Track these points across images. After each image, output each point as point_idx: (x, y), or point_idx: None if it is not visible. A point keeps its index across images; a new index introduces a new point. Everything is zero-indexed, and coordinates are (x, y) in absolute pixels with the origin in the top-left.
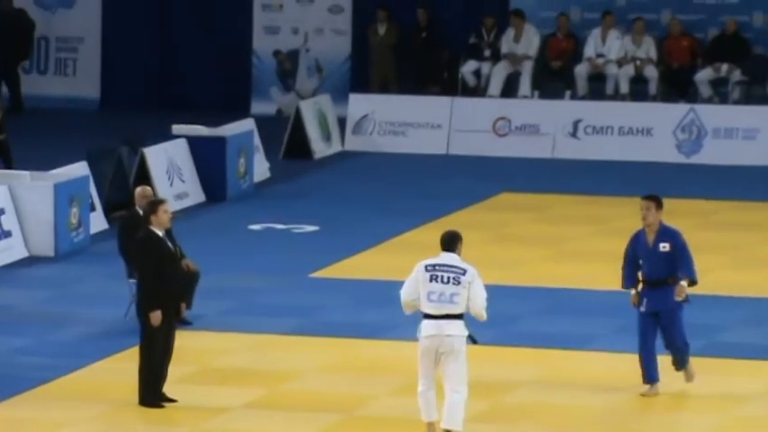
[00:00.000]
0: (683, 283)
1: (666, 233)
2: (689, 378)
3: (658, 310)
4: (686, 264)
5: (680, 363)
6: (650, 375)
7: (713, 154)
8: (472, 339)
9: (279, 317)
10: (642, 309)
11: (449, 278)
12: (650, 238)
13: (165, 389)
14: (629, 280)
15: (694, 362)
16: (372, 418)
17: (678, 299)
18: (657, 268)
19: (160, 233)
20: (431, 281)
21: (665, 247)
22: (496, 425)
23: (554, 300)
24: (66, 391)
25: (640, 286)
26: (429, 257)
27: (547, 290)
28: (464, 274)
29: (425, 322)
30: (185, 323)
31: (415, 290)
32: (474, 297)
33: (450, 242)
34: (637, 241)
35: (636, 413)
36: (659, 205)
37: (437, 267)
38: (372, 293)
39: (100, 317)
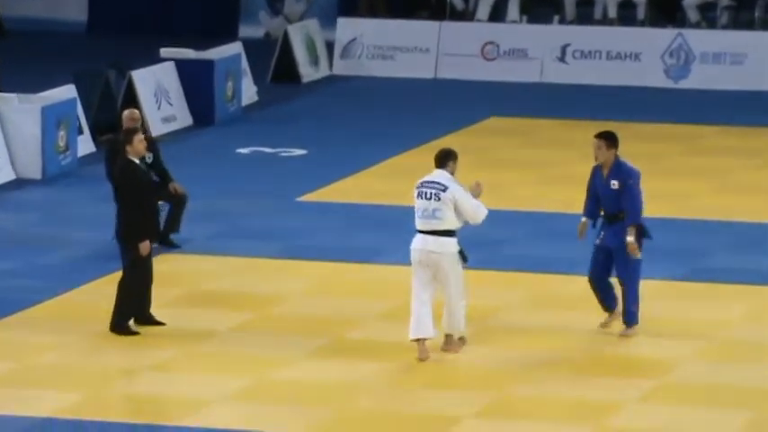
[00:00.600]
0: (630, 239)
1: (619, 171)
2: (622, 331)
3: (611, 247)
4: (629, 205)
5: (624, 316)
6: (607, 304)
7: (701, 79)
8: (462, 256)
9: (266, 240)
10: (597, 241)
11: (431, 194)
12: (604, 173)
13: (153, 312)
14: (587, 211)
15: (679, 286)
16: (361, 341)
17: (633, 256)
18: (610, 204)
19: (137, 161)
20: (418, 197)
21: (614, 184)
22: (486, 347)
23: (541, 224)
24: (53, 314)
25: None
26: (430, 174)
27: (534, 214)
28: (444, 191)
29: (415, 236)
30: (173, 246)
31: None
32: (462, 211)
33: (442, 159)
34: (595, 175)
35: (620, 337)
36: (610, 144)
37: (424, 184)
38: (360, 217)
39: (87, 240)
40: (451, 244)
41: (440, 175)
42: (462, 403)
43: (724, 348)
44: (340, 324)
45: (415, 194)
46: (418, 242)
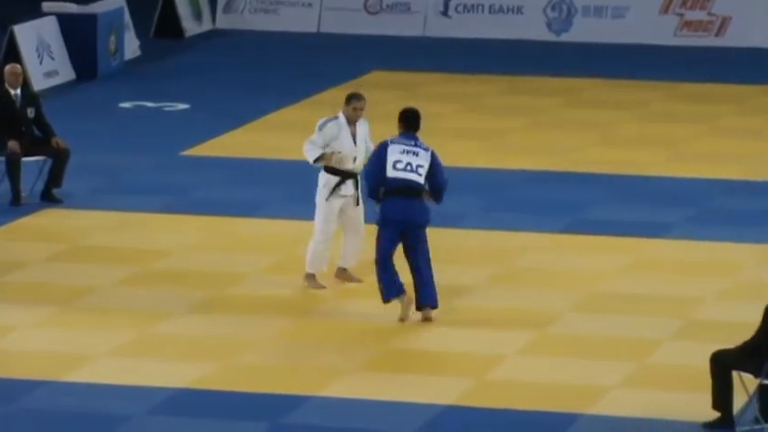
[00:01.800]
0: None
1: None
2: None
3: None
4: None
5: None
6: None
7: (583, 32)
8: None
9: (149, 195)
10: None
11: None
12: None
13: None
14: None
15: (559, 239)
16: (242, 296)
17: None
18: None
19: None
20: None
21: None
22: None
23: None
24: None
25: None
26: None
27: None
28: None
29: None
30: (56, 201)
31: None
32: None
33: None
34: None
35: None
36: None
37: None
38: (244, 171)
39: None
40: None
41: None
42: (347, 356)
43: (603, 300)
44: (223, 278)
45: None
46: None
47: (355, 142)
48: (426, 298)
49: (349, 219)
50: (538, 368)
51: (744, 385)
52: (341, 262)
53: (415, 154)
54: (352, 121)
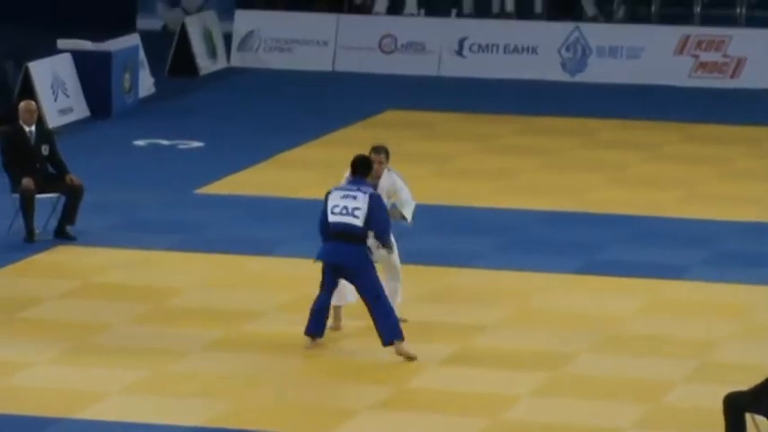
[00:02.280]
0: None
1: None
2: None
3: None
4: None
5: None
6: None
7: (597, 72)
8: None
9: (163, 233)
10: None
11: None
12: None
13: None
14: None
15: (573, 279)
16: (257, 335)
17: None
18: None
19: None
20: None
21: None
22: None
23: (440, 217)
24: None
25: None
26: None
27: (432, 207)
28: None
29: None
30: (69, 238)
31: None
32: None
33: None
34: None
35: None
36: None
37: None
38: (258, 209)
39: None
40: None
41: None
42: (360, 396)
43: (618, 342)
44: (238, 316)
45: None
46: None
47: None
48: (386, 334)
49: (380, 258)
50: (552, 409)
51: (757, 427)
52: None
53: (354, 197)
54: (374, 176)
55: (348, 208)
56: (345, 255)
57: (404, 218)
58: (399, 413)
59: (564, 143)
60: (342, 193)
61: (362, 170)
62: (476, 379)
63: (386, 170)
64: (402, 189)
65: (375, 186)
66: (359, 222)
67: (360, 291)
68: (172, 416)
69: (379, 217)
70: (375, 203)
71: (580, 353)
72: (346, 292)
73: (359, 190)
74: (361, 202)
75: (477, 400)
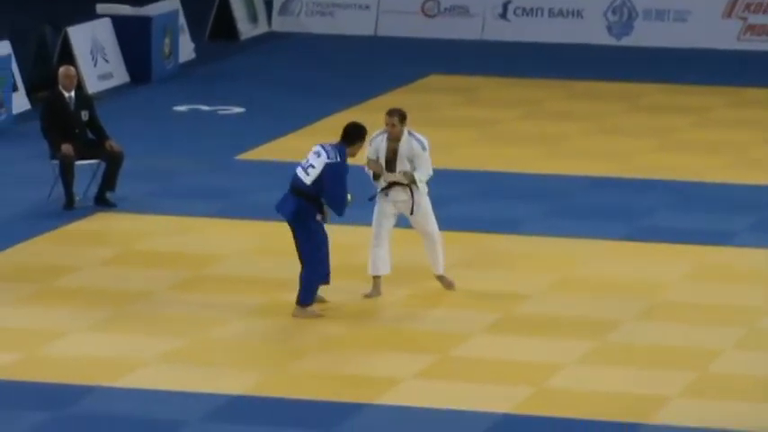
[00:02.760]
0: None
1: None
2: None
3: None
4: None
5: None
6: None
7: (644, 36)
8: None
9: (204, 199)
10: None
11: None
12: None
13: None
14: None
15: (620, 246)
16: (291, 301)
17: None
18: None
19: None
20: None
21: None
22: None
23: (486, 184)
24: None
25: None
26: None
27: (476, 173)
28: None
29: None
30: (109, 205)
31: None
32: None
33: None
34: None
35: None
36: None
37: None
38: None
39: (22, 198)
40: None
41: None
42: (402, 364)
43: (664, 309)
44: (278, 284)
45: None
46: None
47: (394, 157)
48: (298, 295)
49: (416, 226)
50: (597, 377)
51: None
52: (433, 270)
53: (317, 156)
54: (390, 137)
55: (307, 163)
56: (285, 206)
57: (413, 181)
58: (442, 381)
59: (609, 108)
60: (316, 148)
61: (347, 137)
62: (520, 347)
63: (406, 133)
64: (419, 157)
65: (395, 150)
66: (308, 180)
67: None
68: (212, 384)
69: (329, 187)
70: (327, 172)
71: (625, 320)
72: (379, 264)
73: (326, 152)
74: (318, 162)
75: (520, 368)
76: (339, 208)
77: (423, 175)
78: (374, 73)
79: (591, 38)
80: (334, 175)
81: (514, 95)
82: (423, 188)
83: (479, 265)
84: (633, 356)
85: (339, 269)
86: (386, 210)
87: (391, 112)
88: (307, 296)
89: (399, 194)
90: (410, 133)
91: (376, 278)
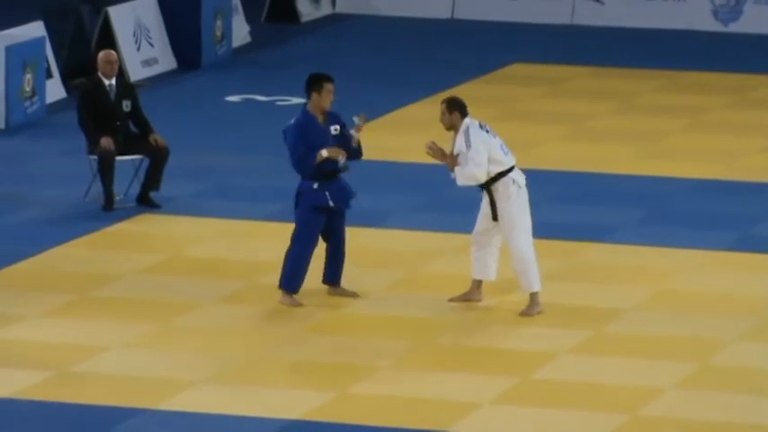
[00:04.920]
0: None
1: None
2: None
3: None
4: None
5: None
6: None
7: (754, 21)
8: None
9: (258, 201)
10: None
11: (492, 130)
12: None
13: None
14: None
15: (726, 257)
16: (362, 316)
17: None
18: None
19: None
20: (494, 136)
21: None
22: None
23: (572, 186)
24: (19, 280)
25: None
26: (474, 119)
27: (563, 174)
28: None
29: (516, 173)
30: (153, 206)
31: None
32: None
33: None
34: None
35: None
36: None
37: (482, 123)
38: (366, 176)
39: (56, 198)
40: None
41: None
42: (481, 387)
43: None
44: (335, 296)
45: (487, 135)
46: (522, 177)
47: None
48: (281, 279)
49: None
50: (700, 404)
51: None
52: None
53: None
54: (445, 127)
55: None
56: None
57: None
58: (524, 407)
59: (715, 102)
60: None
61: (306, 88)
62: (611, 369)
63: (462, 123)
64: (462, 155)
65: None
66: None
67: None
68: (270, 407)
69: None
70: (284, 137)
71: (732, 340)
72: (475, 265)
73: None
74: None
75: (612, 393)
76: (299, 170)
77: (459, 177)
78: (451, 61)
79: (694, 23)
80: (287, 141)
81: (607, 87)
82: (505, 191)
83: (565, 277)
84: (741, 381)
85: (410, 281)
86: (483, 208)
87: (443, 100)
88: (288, 282)
89: (484, 195)
90: (468, 124)
91: (478, 282)
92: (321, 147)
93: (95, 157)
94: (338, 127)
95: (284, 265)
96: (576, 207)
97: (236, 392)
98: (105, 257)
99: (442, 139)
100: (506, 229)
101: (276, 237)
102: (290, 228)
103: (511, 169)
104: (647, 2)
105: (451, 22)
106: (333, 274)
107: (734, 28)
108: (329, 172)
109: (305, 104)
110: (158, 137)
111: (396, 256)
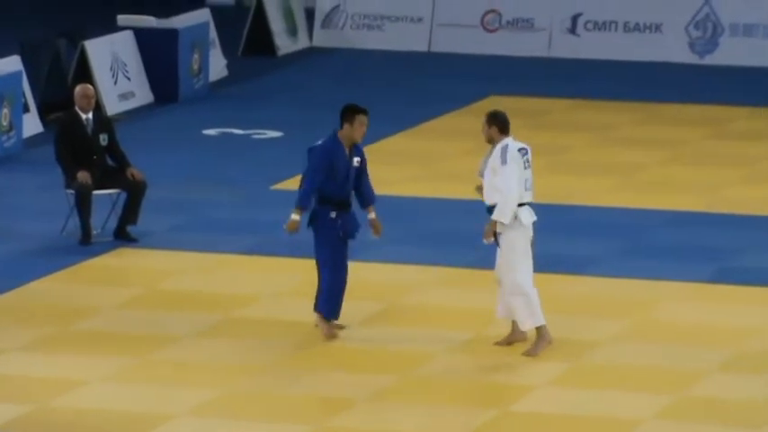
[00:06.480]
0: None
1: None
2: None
3: None
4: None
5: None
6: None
7: (730, 53)
8: None
9: (236, 234)
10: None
11: (528, 162)
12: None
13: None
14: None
15: (705, 289)
16: (337, 348)
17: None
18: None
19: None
20: (525, 167)
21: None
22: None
23: (552, 217)
24: None
25: None
26: (512, 140)
27: (541, 206)
28: (529, 154)
29: (524, 211)
30: (130, 240)
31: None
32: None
33: (509, 123)
34: None
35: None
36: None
37: (522, 152)
38: None
39: (34, 232)
40: None
41: (520, 141)
42: (463, 417)
43: (755, 360)
44: (315, 328)
45: (522, 165)
46: (530, 216)
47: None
48: (316, 302)
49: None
50: None
51: None
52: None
53: None
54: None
55: None
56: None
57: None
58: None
59: (692, 134)
60: None
61: (341, 116)
62: (591, 401)
63: (502, 140)
64: (495, 171)
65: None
66: None
67: None
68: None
69: (309, 168)
70: (308, 154)
71: (711, 371)
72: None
73: None
74: None
75: (591, 425)
76: (301, 191)
77: (500, 209)
78: (428, 93)
79: (671, 55)
80: (308, 163)
81: (584, 119)
82: (507, 218)
83: (545, 309)
84: (719, 412)
85: (388, 314)
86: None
87: (486, 113)
88: (324, 306)
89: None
90: (505, 139)
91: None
92: (345, 179)
93: (72, 191)
94: (360, 160)
95: (321, 291)
96: (555, 239)
97: (215, 426)
98: (83, 291)
99: (427, 171)
100: (503, 261)
101: (253, 269)
102: (268, 260)
103: (521, 205)
104: (623, 33)
105: (428, 55)
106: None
107: (710, 60)
108: (342, 202)
109: (336, 130)
110: (135, 171)
111: (373, 287)
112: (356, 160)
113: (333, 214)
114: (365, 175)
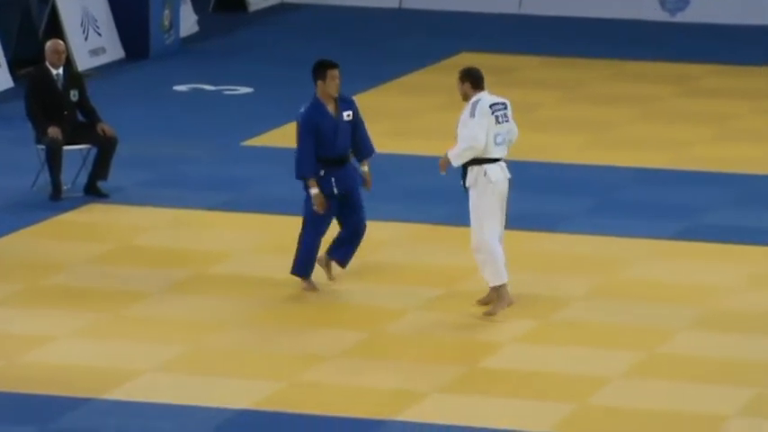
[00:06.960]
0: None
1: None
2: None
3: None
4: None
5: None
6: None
7: (702, 11)
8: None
9: (207, 190)
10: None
11: (504, 117)
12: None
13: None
14: None
15: (672, 246)
16: (309, 305)
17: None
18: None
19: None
20: (497, 123)
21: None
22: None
23: (522, 174)
24: None
25: None
26: (487, 95)
27: (509, 163)
28: (507, 108)
29: (493, 167)
30: (101, 195)
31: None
32: (513, 128)
33: (483, 78)
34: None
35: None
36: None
37: (496, 107)
38: None
39: (4, 187)
40: None
41: (497, 96)
42: (430, 376)
43: (723, 317)
44: (287, 285)
45: (492, 120)
46: (501, 172)
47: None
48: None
49: None
50: (646, 393)
51: None
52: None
53: None
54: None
55: None
56: None
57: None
58: (468, 396)
59: (662, 91)
60: None
61: (312, 76)
62: (558, 359)
63: (475, 94)
64: (463, 124)
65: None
66: None
67: None
68: (216, 396)
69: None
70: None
71: (679, 330)
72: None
73: None
74: None
75: (559, 382)
76: (295, 167)
77: (455, 148)
78: (398, 50)
79: (641, 13)
80: (298, 131)
81: (555, 76)
82: (474, 179)
83: (514, 267)
84: (688, 370)
85: (360, 270)
86: None
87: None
88: (299, 267)
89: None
90: (478, 94)
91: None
92: (334, 137)
93: (43, 146)
94: (351, 113)
95: (296, 251)
96: (523, 196)
97: (185, 382)
98: (53, 247)
99: (399, 128)
100: (471, 217)
101: (226, 226)
102: (239, 216)
103: (491, 161)
104: None
105: (399, 11)
106: (343, 255)
107: (681, 18)
108: (332, 159)
109: (315, 93)
110: (106, 126)
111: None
112: (346, 114)
113: (321, 172)
114: (360, 129)
